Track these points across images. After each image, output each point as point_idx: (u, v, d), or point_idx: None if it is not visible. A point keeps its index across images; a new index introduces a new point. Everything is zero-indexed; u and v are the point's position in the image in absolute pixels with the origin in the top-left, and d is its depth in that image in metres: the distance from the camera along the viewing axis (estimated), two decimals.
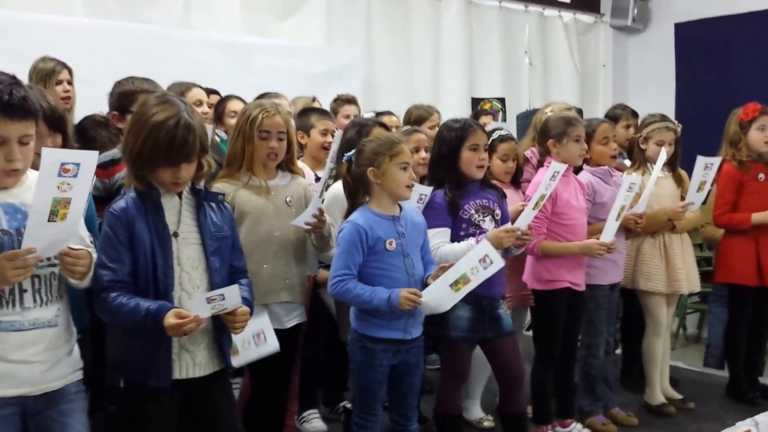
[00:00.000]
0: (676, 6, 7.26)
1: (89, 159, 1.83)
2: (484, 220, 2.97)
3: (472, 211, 2.95)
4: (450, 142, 2.99)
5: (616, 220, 3.26)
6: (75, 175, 1.79)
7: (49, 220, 1.80)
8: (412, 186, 2.65)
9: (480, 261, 2.54)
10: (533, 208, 2.99)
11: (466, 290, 2.56)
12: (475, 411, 3.60)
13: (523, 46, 7.06)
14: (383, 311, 2.53)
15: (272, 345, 2.60)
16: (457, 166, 2.98)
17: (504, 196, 3.15)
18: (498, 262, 2.57)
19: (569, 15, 7.44)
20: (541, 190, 2.99)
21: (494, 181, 3.39)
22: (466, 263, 2.54)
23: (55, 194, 1.78)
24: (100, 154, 3.18)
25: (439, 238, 2.86)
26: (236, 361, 2.42)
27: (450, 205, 2.92)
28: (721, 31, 6.86)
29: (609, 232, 3.24)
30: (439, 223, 2.87)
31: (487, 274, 2.56)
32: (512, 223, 3.04)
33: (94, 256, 2.04)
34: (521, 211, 3.07)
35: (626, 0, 7.36)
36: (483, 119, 4.64)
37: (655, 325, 3.77)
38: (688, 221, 3.75)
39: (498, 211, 3.03)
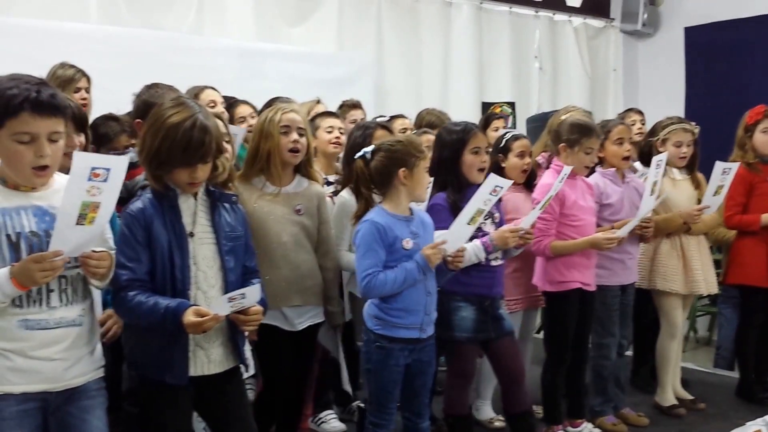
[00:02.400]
0: (686, 10, 7.23)
1: (120, 164, 1.86)
2: (485, 223, 2.97)
3: None
4: (451, 146, 3.01)
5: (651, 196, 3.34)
6: (105, 180, 1.82)
7: (77, 224, 1.83)
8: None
9: (491, 192, 2.60)
10: (539, 209, 3.02)
11: (480, 219, 2.68)
12: (486, 411, 3.62)
13: (533, 50, 7.07)
14: (419, 278, 2.57)
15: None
16: (459, 170, 3.00)
17: (500, 199, 3.17)
18: (506, 183, 2.67)
19: (579, 20, 7.45)
20: (551, 193, 3.03)
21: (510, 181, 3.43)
22: (480, 198, 2.60)
23: (84, 198, 1.81)
24: (111, 144, 3.27)
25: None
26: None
27: (452, 207, 2.93)
28: (731, 35, 6.83)
29: (627, 228, 3.31)
30: (443, 226, 2.87)
31: (497, 197, 2.69)
32: None
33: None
34: None
35: (636, 4, 7.34)
36: (495, 123, 4.66)
37: (671, 327, 3.78)
38: (704, 223, 3.76)
39: (497, 214, 3.06)
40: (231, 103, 4.09)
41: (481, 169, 3.01)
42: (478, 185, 2.98)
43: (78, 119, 2.42)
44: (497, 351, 3.04)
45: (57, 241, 1.84)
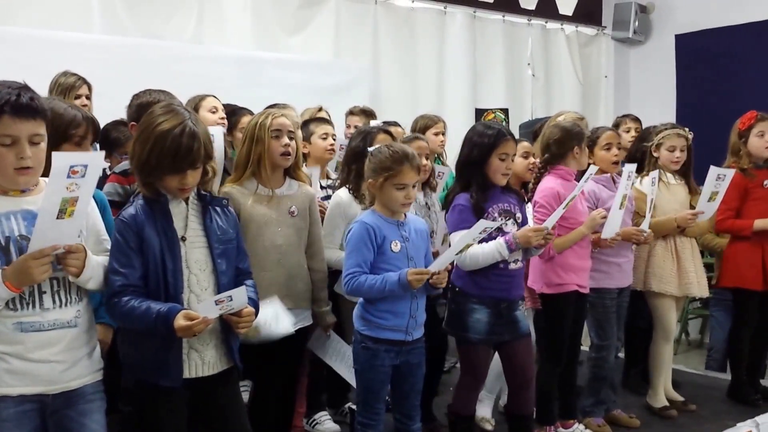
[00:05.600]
0: (676, 17, 7.31)
1: (96, 160, 1.91)
2: (506, 224, 3.00)
3: (496, 214, 2.99)
4: (481, 148, 3.01)
5: (620, 209, 3.36)
6: (83, 176, 1.85)
7: (57, 218, 1.86)
8: (409, 204, 2.71)
9: (480, 232, 2.65)
10: (563, 209, 3.06)
11: (468, 250, 2.76)
12: (484, 408, 3.60)
13: (526, 58, 7.16)
14: (398, 293, 2.61)
15: (287, 326, 2.64)
16: (485, 172, 3.02)
17: (524, 200, 3.22)
18: (494, 225, 2.75)
19: (571, 27, 7.53)
20: (575, 192, 3.09)
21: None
22: (469, 236, 2.65)
23: (64, 194, 1.84)
24: (123, 148, 3.29)
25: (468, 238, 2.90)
26: (258, 339, 2.51)
27: (474, 207, 2.96)
28: (721, 42, 6.90)
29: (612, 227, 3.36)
30: (466, 225, 2.88)
31: (485, 235, 2.74)
32: None
33: (91, 255, 2.05)
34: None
35: (627, 12, 7.42)
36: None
37: (664, 330, 3.82)
38: (698, 226, 3.82)
39: (519, 215, 3.07)
40: (234, 110, 4.15)
41: (505, 174, 3.04)
42: (500, 187, 3.05)
43: (94, 128, 2.52)
44: (510, 353, 3.06)
45: (39, 237, 1.86)
